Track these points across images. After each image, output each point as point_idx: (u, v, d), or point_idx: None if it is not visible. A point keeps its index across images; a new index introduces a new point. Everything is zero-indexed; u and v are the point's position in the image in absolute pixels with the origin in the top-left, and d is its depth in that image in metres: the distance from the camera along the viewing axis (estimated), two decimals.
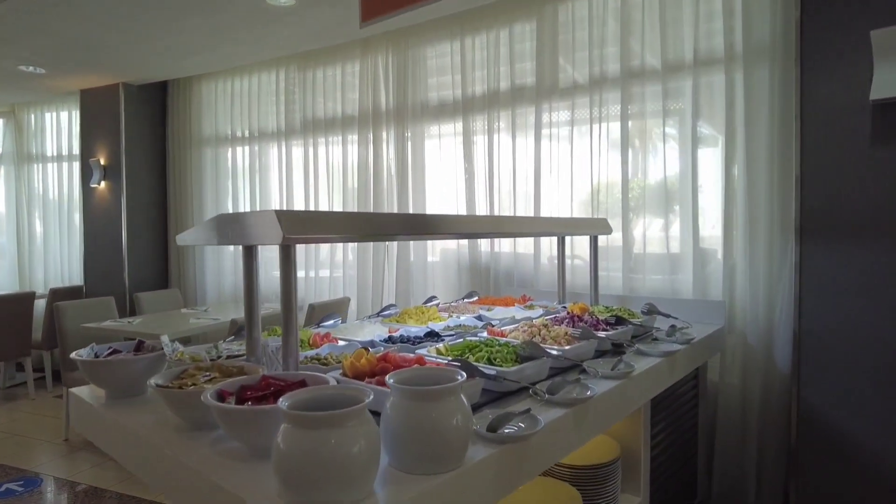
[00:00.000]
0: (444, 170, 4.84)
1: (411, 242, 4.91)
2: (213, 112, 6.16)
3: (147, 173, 6.32)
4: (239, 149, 6.05)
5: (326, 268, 5.52)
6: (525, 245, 4.39)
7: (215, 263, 6.17)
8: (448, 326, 2.80)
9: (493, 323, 2.79)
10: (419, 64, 4.91)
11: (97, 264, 6.25)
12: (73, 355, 2.02)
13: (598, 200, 4.05)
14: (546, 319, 2.82)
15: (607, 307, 3.21)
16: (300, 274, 5.68)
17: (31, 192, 7.14)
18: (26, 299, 6.00)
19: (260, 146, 5.92)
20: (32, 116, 7.10)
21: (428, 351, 2.20)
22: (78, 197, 6.58)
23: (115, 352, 2.18)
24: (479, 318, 3.06)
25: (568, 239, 3.81)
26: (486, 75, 4.52)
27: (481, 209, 4.59)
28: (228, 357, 2.09)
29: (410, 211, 4.91)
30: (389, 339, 2.46)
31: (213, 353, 2.12)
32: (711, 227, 3.73)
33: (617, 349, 2.59)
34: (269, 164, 5.92)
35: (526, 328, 2.54)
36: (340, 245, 5.37)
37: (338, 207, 5.40)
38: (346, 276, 5.39)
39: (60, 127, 6.91)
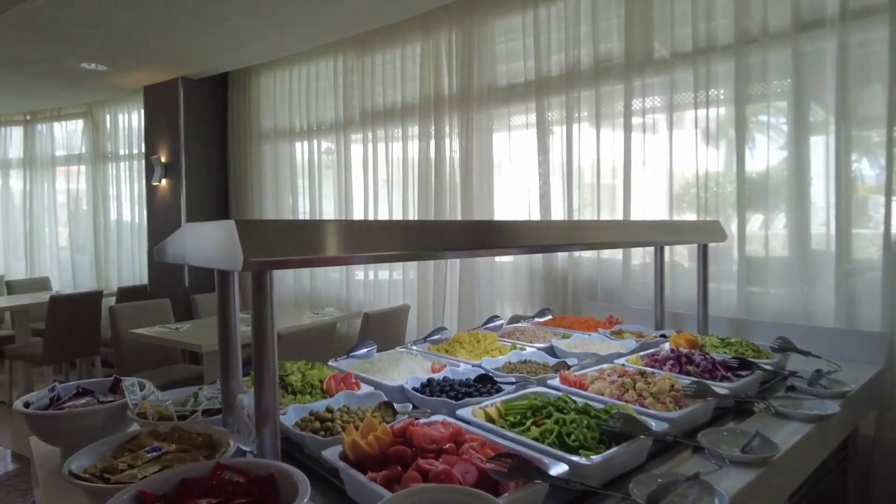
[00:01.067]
0: (515, 164, 4.17)
1: None
2: (273, 105, 5.83)
3: (207, 170, 6.11)
4: (298, 144, 5.69)
5: (386, 267, 5.02)
6: (611, 251, 3.65)
7: None
8: (509, 364, 2.17)
9: (570, 363, 2.12)
10: (486, 40, 4.27)
11: (159, 264, 6.12)
12: (16, 404, 1.58)
13: (703, 196, 3.25)
14: (642, 360, 2.13)
15: (722, 338, 2.45)
16: (358, 276, 5.22)
17: (107, 190, 7.20)
18: (94, 298, 5.96)
19: (318, 140, 5.52)
20: (107, 115, 7.14)
21: (474, 413, 1.58)
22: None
23: (80, 394, 1.74)
24: (552, 350, 2.41)
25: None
26: (564, 51, 3.81)
27: (557, 209, 3.89)
28: (206, 412, 1.58)
29: (475, 215, 4.29)
30: (428, 385, 1.87)
31: (191, 403, 1.62)
32: (869, 228, 2.83)
33: (742, 405, 1.86)
34: (327, 160, 5.51)
35: (615, 376, 1.86)
36: None
37: (398, 208, 4.87)
38: (406, 279, 4.86)
39: (131, 125, 6.89)
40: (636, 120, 3.53)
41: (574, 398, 1.68)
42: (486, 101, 4.25)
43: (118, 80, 5.96)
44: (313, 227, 1.34)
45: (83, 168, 7.41)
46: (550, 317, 3.11)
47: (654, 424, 1.50)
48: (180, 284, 5.93)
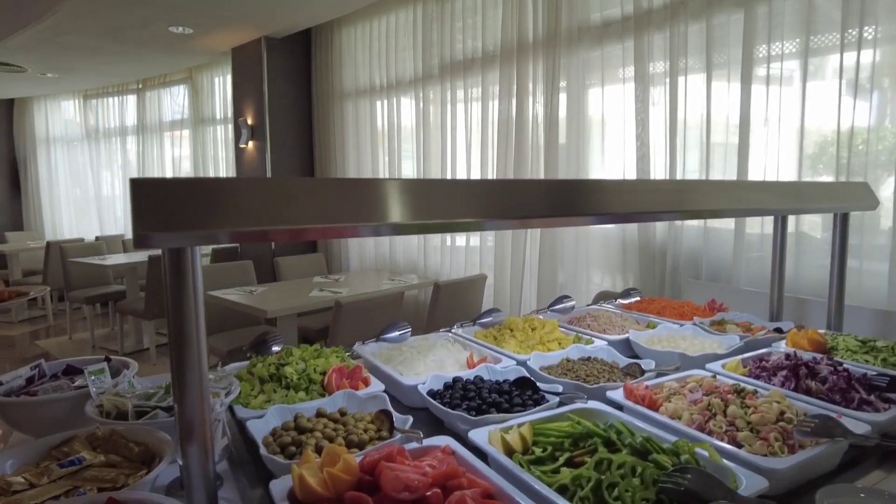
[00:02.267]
0: (609, 119, 3.58)
1: None
2: (354, 61, 5.58)
3: (292, 131, 6.04)
4: (378, 102, 5.41)
5: (463, 234, 4.65)
6: (721, 219, 3.01)
7: None
8: (565, 362, 1.74)
9: (645, 366, 1.65)
10: None
11: None
12: None
13: (844, 156, 2.52)
14: (745, 366, 1.61)
15: (862, 340, 1.83)
16: (434, 241, 4.91)
17: (206, 154, 7.44)
18: None
19: (398, 97, 5.19)
20: (205, 80, 7.32)
21: (491, 439, 1.19)
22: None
23: (66, 372, 1.58)
24: (627, 344, 1.93)
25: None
26: None
27: (659, 175, 3.28)
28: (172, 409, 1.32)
29: (560, 175, 3.77)
30: (451, 387, 1.50)
31: (159, 396, 1.38)
32: None
33: (889, 445, 1.30)
34: (406, 118, 5.18)
35: (700, 393, 1.37)
36: None
37: (476, 170, 4.46)
38: (483, 246, 4.48)
39: (225, 89, 6.99)
40: (759, 70, 2.81)
41: (636, 424, 1.23)
42: (576, 43, 3.66)
43: (206, 43, 5.99)
44: (234, 189, 0.99)
45: (185, 133, 7.70)
46: (637, 298, 2.59)
47: (744, 480, 1.02)
48: (266, 246, 5.99)
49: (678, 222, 3.14)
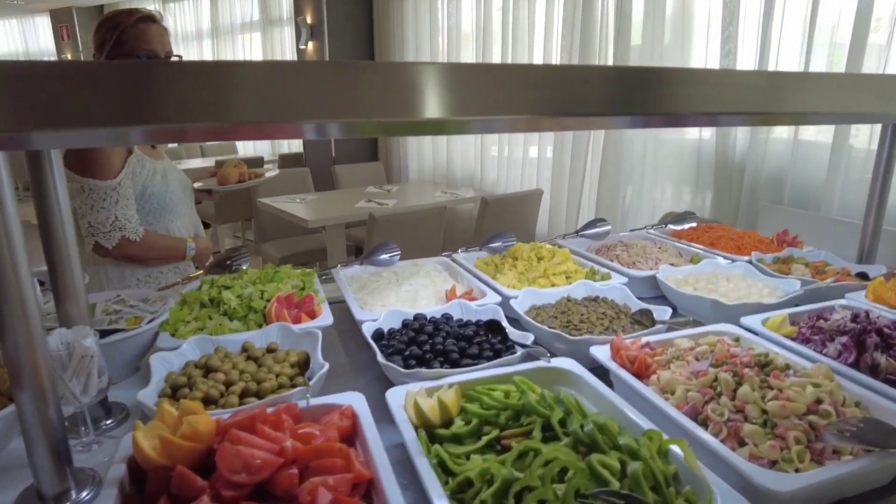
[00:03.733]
0: (691, 11, 2.93)
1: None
2: None
3: (351, 32, 5.68)
4: (440, 2, 4.89)
5: (519, 141, 4.24)
6: (817, 129, 2.41)
7: (416, 139, 5.42)
8: (566, 301, 1.43)
9: (657, 315, 1.30)
10: None
11: None
12: None
13: None
14: (791, 323, 1.23)
15: None
16: (491, 151, 4.53)
17: (274, 56, 7.28)
18: (255, 163, 6.22)
19: None
20: None
21: (406, 405, 0.94)
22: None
23: None
24: (652, 283, 1.57)
25: None
26: None
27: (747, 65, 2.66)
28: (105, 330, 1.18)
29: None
30: (402, 330, 1.26)
31: (113, 315, 1.25)
32: None
33: None
34: (466, 21, 4.66)
35: (705, 362, 1.03)
36: None
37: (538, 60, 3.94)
38: (542, 158, 4.06)
39: None
40: None
41: (608, 398, 0.94)
42: None
43: None
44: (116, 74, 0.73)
45: (256, 35, 7.55)
46: (693, 224, 2.15)
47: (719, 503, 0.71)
48: (327, 154, 5.87)
49: (762, 133, 2.57)
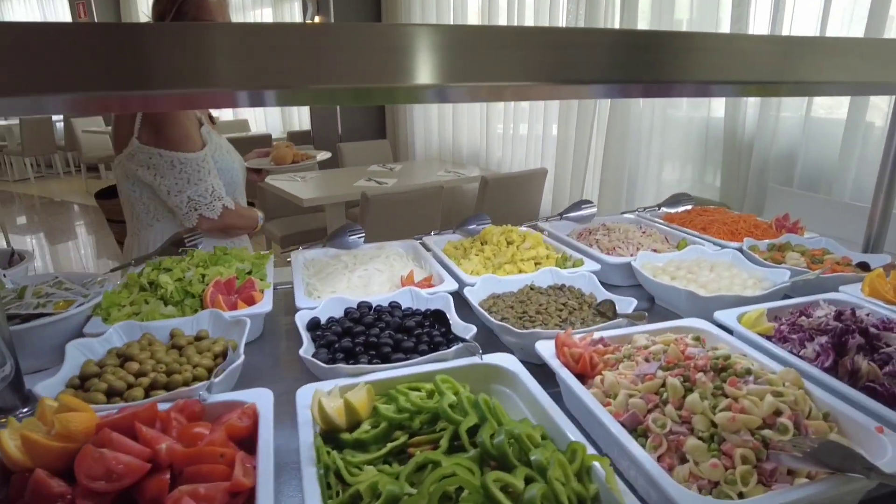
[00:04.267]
0: None
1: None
2: None
3: (356, 5, 5.53)
4: None
5: (525, 120, 4.08)
6: (831, 105, 2.22)
7: (423, 116, 5.29)
8: (528, 289, 1.32)
9: (620, 307, 1.19)
10: None
11: (321, 109, 6.00)
12: None
13: None
14: (772, 320, 1.11)
15: None
16: (496, 129, 4.38)
17: None
18: (264, 141, 6.18)
19: None
20: None
21: (313, 404, 0.86)
22: None
23: None
24: (628, 270, 1.45)
25: None
26: None
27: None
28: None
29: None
30: (349, 314, 1.17)
31: (43, 299, 1.19)
32: None
33: None
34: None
35: (654, 365, 0.91)
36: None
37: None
38: (546, 136, 3.90)
39: None
40: None
41: (541, 402, 0.84)
42: None
43: None
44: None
45: (266, 11, 7.44)
46: (688, 207, 2.00)
47: None
48: (334, 131, 5.78)
49: (772, 109, 2.39)
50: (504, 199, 3.61)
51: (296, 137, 6.29)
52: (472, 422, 0.77)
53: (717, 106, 2.72)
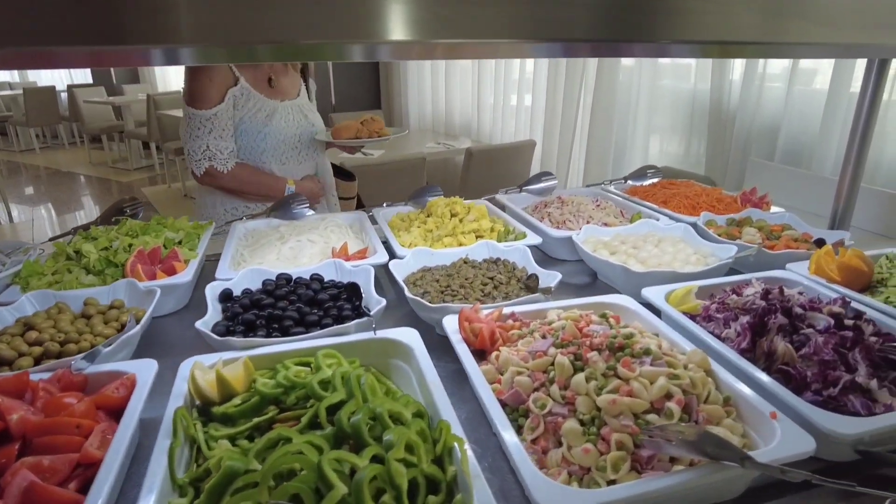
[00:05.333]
0: None
1: (623, 59, 2.99)
2: None
3: None
4: None
5: (514, 91, 3.98)
6: (814, 76, 2.12)
7: (416, 86, 5.18)
8: (462, 263, 1.27)
9: (546, 283, 1.14)
10: None
11: (316, 78, 5.90)
12: None
13: None
14: (694, 296, 1.06)
15: None
16: (487, 99, 4.28)
17: None
18: None
19: None
20: None
21: (191, 376, 0.83)
22: None
23: None
24: (569, 245, 1.40)
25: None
26: None
27: None
28: None
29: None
30: (267, 286, 1.14)
31: None
32: None
33: (830, 484, 0.75)
34: None
35: (547, 341, 0.87)
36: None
37: None
38: (535, 107, 3.80)
39: None
40: None
41: (429, 378, 0.80)
42: None
43: None
44: None
45: None
46: (655, 180, 1.93)
47: None
48: (328, 101, 5.70)
49: (756, 79, 2.28)
50: (490, 171, 3.54)
51: None
52: (337, 398, 0.74)
53: (704, 76, 2.61)
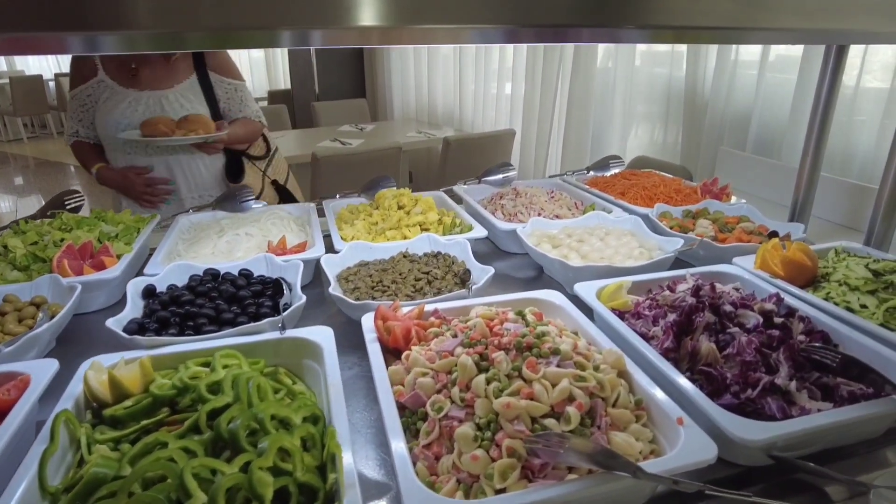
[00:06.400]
0: None
1: (600, 46, 2.94)
2: None
3: None
4: None
5: (494, 79, 3.93)
6: (784, 64, 2.07)
7: (400, 74, 5.12)
8: (401, 257, 1.24)
9: (476, 277, 1.11)
10: None
11: (299, 67, 5.84)
12: None
13: None
14: (625, 292, 1.04)
15: (882, 268, 1.09)
16: (468, 87, 4.23)
17: None
18: None
19: None
20: None
21: (86, 379, 0.80)
22: None
23: None
24: (513, 238, 1.37)
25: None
26: None
27: None
28: None
29: None
30: (192, 283, 1.10)
31: None
32: None
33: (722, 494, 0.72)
34: None
35: (455, 340, 0.83)
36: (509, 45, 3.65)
37: None
38: (514, 95, 3.75)
39: None
40: None
41: (332, 378, 0.77)
42: None
43: None
44: None
45: None
46: (617, 171, 1.89)
47: None
48: (311, 90, 5.64)
49: (728, 66, 2.24)
50: (470, 161, 3.50)
51: (276, 96, 6.16)
52: (223, 402, 0.70)
53: (679, 64, 2.56)
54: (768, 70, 2.09)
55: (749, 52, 2.17)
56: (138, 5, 0.50)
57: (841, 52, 1.37)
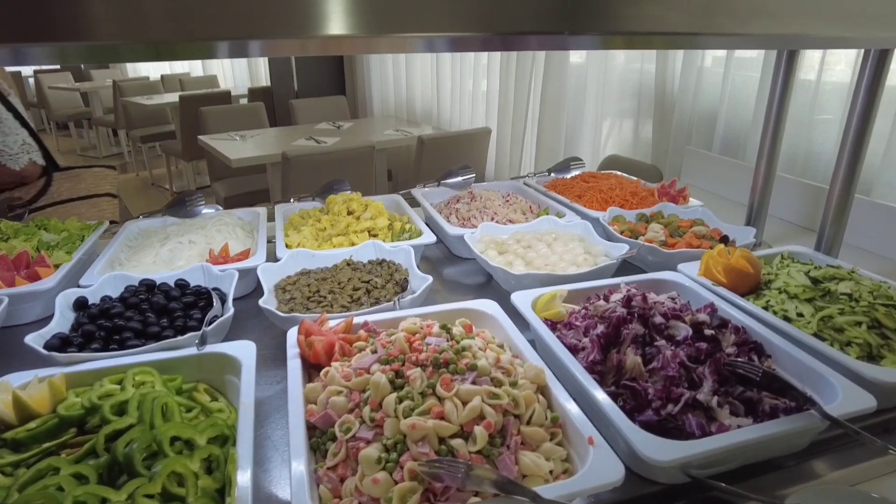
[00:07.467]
0: None
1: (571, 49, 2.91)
2: None
3: None
4: None
5: (470, 77, 3.90)
6: (750, 63, 2.06)
7: (379, 72, 5.08)
8: (345, 265, 1.22)
9: (418, 285, 1.09)
10: None
11: (278, 64, 5.79)
12: None
13: None
14: (559, 302, 1.02)
15: (821, 276, 1.08)
16: (445, 84, 4.19)
17: None
18: (222, 97, 5.98)
19: None
20: None
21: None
22: None
23: None
24: (461, 243, 1.35)
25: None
26: None
27: None
28: None
29: None
30: (126, 294, 1.08)
31: None
32: None
33: None
34: None
35: (373, 357, 0.82)
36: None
37: None
38: (489, 92, 3.73)
39: None
40: None
41: (246, 395, 0.75)
42: None
43: None
44: None
45: None
46: (577, 172, 1.88)
47: None
48: (290, 88, 5.59)
49: (696, 61, 2.23)
50: (446, 159, 3.46)
51: (256, 94, 6.10)
52: (125, 423, 0.69)
53: (651, 61, 2.55)
54: (734, 68, 2.08)
55: (716, 51, 2.16)
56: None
57: (793, 54, 1.36)
